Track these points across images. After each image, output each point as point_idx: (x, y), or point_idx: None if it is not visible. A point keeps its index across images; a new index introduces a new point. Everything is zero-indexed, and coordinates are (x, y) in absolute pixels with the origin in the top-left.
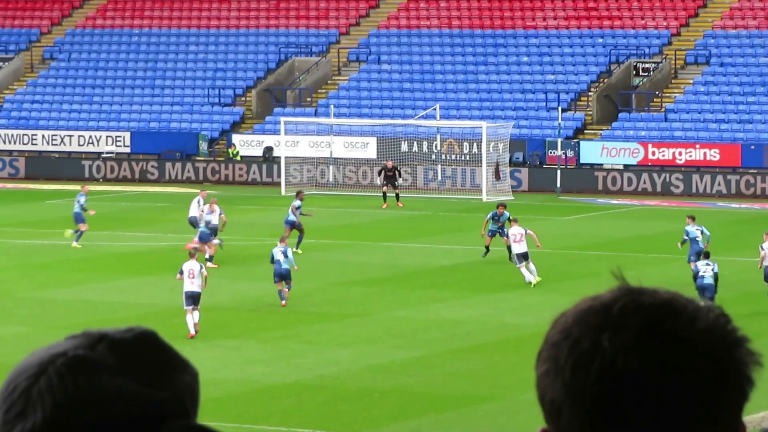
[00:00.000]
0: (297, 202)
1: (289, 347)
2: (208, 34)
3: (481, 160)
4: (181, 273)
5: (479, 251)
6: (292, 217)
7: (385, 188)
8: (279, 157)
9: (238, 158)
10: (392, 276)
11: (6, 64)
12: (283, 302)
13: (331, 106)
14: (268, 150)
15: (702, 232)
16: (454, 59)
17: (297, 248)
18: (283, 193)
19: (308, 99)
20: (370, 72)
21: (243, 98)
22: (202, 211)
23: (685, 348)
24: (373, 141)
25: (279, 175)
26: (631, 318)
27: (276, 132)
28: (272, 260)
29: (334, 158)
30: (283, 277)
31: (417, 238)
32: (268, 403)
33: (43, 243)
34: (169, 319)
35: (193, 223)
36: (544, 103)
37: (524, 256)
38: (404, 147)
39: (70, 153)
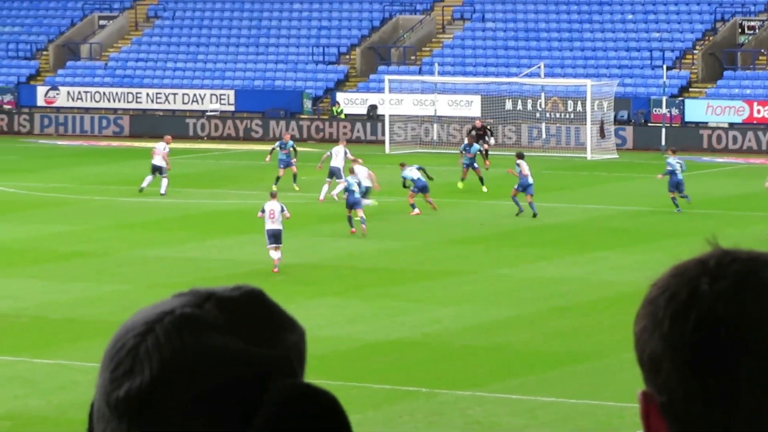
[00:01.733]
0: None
1: (392, 305)
2: None
3: (585, 119)
4: (263, 212)
5: (583, 210)
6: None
7: None
8: (383, 116)
9: (343, 116)
10: (495, 234)
11: (111, 22)
12: (353, 229)
13: (436, 64)
14: (373, 108)
15: (681, 165)
16: (558, 17)
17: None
18: (387, 151)
19: (412, 57)
20: (474, 30)
21: (347, 56)
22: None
23: None
24: (477, 99)
25: (383, 134)
26: (728, 268)
27: (380, 90)
28: (347, 187)
29: (439, 116)
30: (354, 206)
31: (521, 196)
32: (371, 361)
33: (145, 201)
34: (272, 277)
35: (335, 173)
36: (649, 61)
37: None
38: (509, 105)
39: (174, 111)
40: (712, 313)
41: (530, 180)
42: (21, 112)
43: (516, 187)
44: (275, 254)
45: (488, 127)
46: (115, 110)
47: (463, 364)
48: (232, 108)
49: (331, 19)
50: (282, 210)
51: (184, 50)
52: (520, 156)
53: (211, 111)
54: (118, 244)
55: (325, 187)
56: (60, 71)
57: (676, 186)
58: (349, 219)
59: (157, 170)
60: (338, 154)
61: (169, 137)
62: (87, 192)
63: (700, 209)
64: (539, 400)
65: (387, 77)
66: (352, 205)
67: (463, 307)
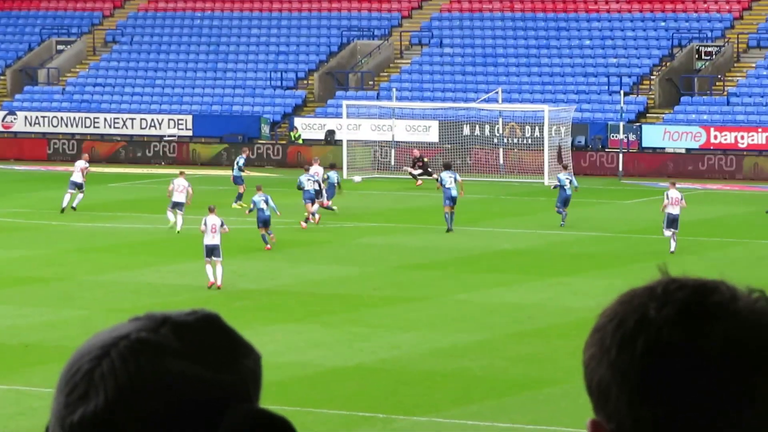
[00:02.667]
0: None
1: (351, 331)
2: (270, 17)
3: (543, 144)
4: (204, 225)
5: (542, 235)
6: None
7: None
8: (341, 141)
9: (300, 141)
10: (454, 259)
11: (69, 47)
12: (268, 246)
13: (393, 90)
14: (330, 133)
15: (571, 182)
16: (516, 42)
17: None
18: (344, 177)
19: (370, 82)
20: (432, 55)
21: (305, 81)
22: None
23: (729, 321)
24: (435, 124)
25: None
26: (674, 294)
27: (338, 115)
28: (254, 207)
29: (396, 141)
30: (266, 223)
31: (479, 221)
32: (330, 387)
33: (104, 226)
34: (230, 302)
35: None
36: (607, 87)
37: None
38: (466, 130)
39: (132, 136)
40: (660, 339)
41: (453, 192)
42: None
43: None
44: (210, 269)
45: (423, 157)
46: (72, 135)
47: (421, 390)
48: (190, 133)
49: (289, 44)
50: (222, 225)
51: (141, 75)
52: (447, 167)
53: (168, 136)
54: (77, 268)
55: (316, 207)
56: (17, 96)
57: (564, 202)
58: (263, 237)
59: (77, 187)
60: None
61: (86, 155)
62: (45, 217)
63: (656, 235)
64: (497, 425)
65: (345, 102)
66: (264, 222)
67: (422, 332)
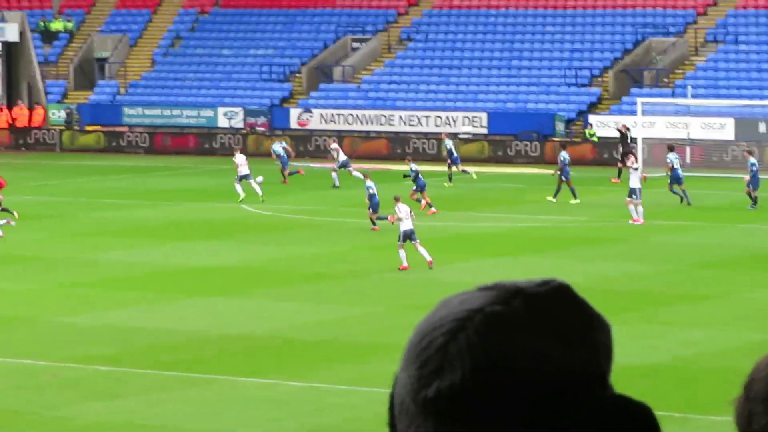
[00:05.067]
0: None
1: (644, 328)
2: (564, 15)
3: None
4: (400, 213)
5: None
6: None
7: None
8: (636, 138)
9: (596, 139)
10: (749, 257)
11: (364, 44)
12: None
13: (689, 87)
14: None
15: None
16: None
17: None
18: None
19: (665, 79)
20: (727, 53)
21: (600, 79)
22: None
23: None
24: (730, 122)
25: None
26: None
27: (632, 113)
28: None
29: (692, 139)
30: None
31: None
32: (624, 385)
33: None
34: None
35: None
36: None
37: None
38: (762, 128)
39: (426, 134)
40: None
41: (680, 172)
42: (274, 135)
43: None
44: (404, 253)
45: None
46: (368, 133)
47: (716, 389)
48: (484, 130)
49: (583, 41)
50: (410, 211)
51: (436, 72)
52: (671, 148)
53: (463, 134)
54: (370, 265)
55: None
56: (313, 93)
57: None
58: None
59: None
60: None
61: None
62: (340, 214)
63: None
64: None
65: (640, 100)
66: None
67: (716, 330)
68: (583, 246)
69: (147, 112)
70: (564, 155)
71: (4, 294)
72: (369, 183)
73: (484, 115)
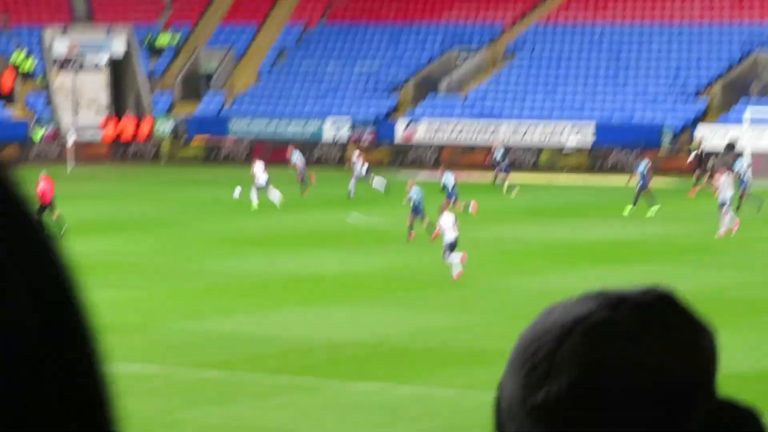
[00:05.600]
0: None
1: (755, 337)
2: (671, 27)
3: None
4: (447, 223)
5: None
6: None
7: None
8: (743, 149)
9: (699, 151)
10: None
11: (470, 58)
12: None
13: None
14: (730, 145)
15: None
16: None
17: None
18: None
19: None
20: None
21: (706, 91)
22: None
23: None
24: None
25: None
26: None
27: (739, 122)
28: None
29: None
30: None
31: None
32: (736, 391)
33: (515, 231)
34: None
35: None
36: None
37: None
38: None
39: (532, 145)
40: None
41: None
42: (380, 146)
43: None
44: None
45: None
46: (471, 146)
47: None
48: (591, 142)
49: (690, 53)
50: (455, 222)
51: (542, 85)
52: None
53: (569, 146)
54: (475, 274)
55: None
56: (419, 106)
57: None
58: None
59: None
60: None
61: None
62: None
63: None
64: None
65: (747, 111)
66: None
67: None
68: (691, 254)
69: (252, 123)
70: (643, 165)
71: (116, 302)
72: (414, 189)
73: (590, 127)
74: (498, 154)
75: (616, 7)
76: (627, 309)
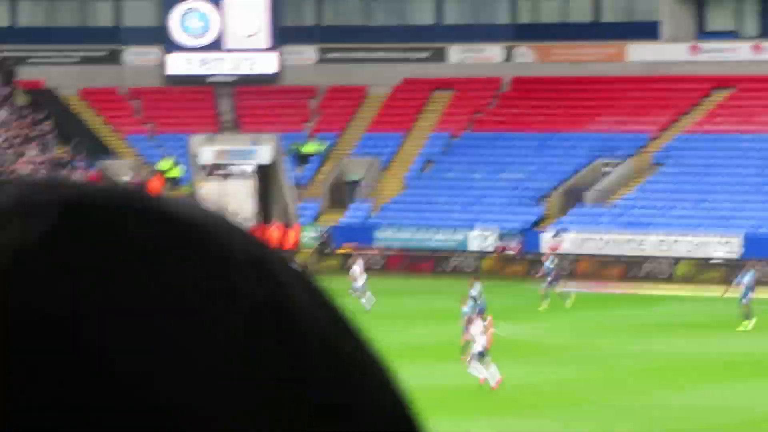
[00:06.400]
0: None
1: None
2: None
3: None
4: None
5: None
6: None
7: None
8: None
9: None
10: None
11: (615, 168)
12: None
13: None
14: None
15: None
16: None
17: None
18: None
19: None
20: None
21: None
22: None
23: None
24: None
25: None
26: None
27: None
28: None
29: None
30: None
31: None
32: None
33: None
34: None
35: None
36: None
37: None
38: None
39: (678, 259)
40: None
41: None
42: (525, 258)
43: None
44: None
45: None
46: (618, 257)
47: None
48: (738, 254)
49: None
50: (483, 329)
51: (689, 196)
52: None
53: (716, 258)
54: (634, 387)
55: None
56: (564, 217)
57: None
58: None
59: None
60: None
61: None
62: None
63: None
64: None
65: None
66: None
67: None
68: None
69: (399, 233)
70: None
71: None
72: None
73: (738, 239)
74: (549, 262)
75: (764, 115)
76: None
